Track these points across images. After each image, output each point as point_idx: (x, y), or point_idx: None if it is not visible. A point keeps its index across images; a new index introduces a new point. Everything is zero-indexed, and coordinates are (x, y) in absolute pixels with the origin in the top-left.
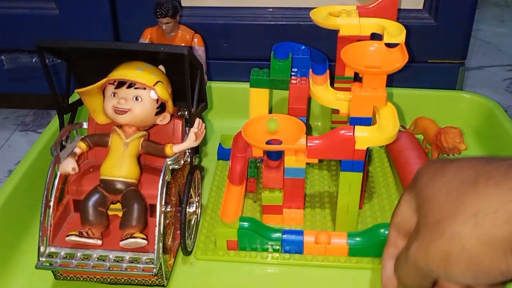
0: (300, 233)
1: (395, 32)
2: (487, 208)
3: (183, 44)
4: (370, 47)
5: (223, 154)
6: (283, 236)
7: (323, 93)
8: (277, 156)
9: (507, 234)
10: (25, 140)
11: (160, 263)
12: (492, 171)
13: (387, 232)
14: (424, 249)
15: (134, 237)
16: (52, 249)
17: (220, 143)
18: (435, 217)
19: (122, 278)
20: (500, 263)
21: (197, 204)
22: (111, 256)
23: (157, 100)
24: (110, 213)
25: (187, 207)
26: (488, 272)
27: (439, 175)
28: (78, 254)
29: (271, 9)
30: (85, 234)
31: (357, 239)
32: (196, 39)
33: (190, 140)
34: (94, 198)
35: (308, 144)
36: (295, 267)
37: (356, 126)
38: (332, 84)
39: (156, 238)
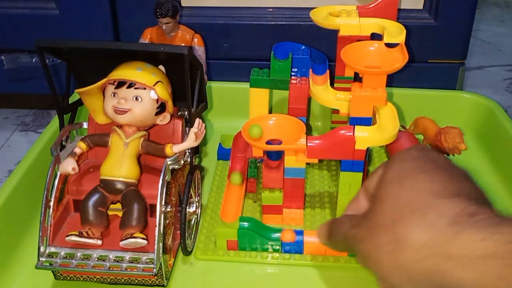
0: (300, 233)
1: (395, 32)
2: (411, 241)
3: (183, 44)
4: (370, 47)
5: (223, 154)
6: None
7: (323, 93)
8: (277, 156)
9: (416, 271)
10: (25, 140)
11: (160, 263)
12: (450, 212)
13: None
14: (357, 241)
15: (134, 237)
16: (52, 249)
17: (220, 143)
18: (374, 221)
19: (122, 278)
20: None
21: (197, 204)
22: (111, 256)
23: (157, 100)
24: (110, 213)
25: (187, 207)
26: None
27: (399, 181)
28: (78, 254)
29: (271, 9)
30: (85, 234)
31: None
32: (196, 39)
33: (190, 140)
34: (94, 198)
35: (308, 144)
36: (295, 267)
37: (356, 126)
38: (332, 84)
39: (156, 238)
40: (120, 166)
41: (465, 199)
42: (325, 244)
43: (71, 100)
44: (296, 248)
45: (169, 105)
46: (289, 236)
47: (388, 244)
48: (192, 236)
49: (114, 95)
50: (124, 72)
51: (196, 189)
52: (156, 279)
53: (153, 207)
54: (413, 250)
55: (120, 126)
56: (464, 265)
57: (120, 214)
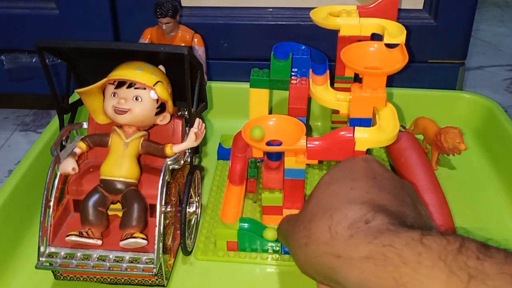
0: None
1: (395, 32)
2: (317, 238)
3: (183, 44)
4: (370, 48)
5: (223, 154)
6: None
7: (323, 93)
8: (277, 156)
9: (318, 266)
10: (25, 140)
11: (160, 263)
12: (351, 217)
13: None
14: (286, 235)
15: (134, 237)
16: (52, 249)
17: (220, 143)
18: (298, 218)
19: (122, 278)
20: (321, 280)
21: (197, 204)
22: (111, 256)
23: (157, 100)
24: (110, 213)
25: (187, 207)
26: (314, 278)
27: (327, 185)
28: (78, 254)
29: (271, 9)
30: (85, 234)
31: None
32: (196, 39)
33: (190, 140)
34: (94, 198)
35: (308, 145)
36: (295, 268)
37: (356, 127)
38: (332, 84)
39: (156, 238)
40: (120, 166)
41: (368, 207)
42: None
43: (71, 100)
44: None
45: (169, 105)
46: (271, 234)
47: (302, 239)
48: (192, 236)
49: (114, 95)
50: (124, 72)
51: (196, 189)
52: (156, 279)
53: (153, 207)
54: (316, 246)
55: (120, 126)
56: (350, 264)
57: (120, 214)
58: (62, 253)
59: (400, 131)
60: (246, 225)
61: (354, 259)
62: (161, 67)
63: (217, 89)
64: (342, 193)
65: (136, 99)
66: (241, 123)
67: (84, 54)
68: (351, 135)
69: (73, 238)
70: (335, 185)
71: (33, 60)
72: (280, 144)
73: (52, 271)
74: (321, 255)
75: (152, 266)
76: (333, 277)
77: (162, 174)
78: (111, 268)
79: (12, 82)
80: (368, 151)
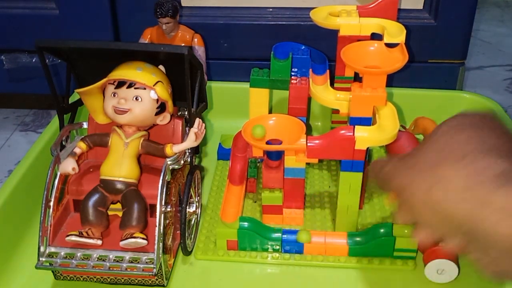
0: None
1: (395, 32)
2: (452, 182)
3: (183, 44)
4: (370, 47)
5: (223, 154)
6: (283, 236)
7: (323, 93)
8: (277, 156)
9: (449, 211)
10: (25, 140)
11: (160, 263)
12: (498, 166)
13: (387, 232)
14: (394, 175)
15: (134, 237)
16: (52, 249)
17: (220, 143)
18: (415, 161)
19: (122, 278)
20: (438, 229)
21: (197, 204)
22: (111, 256)
23: (157, 100)
24: (110, 213)
25: (187, 207)
26: (426, 228)
27: (451, 134)
28: (78, 254)
29: (271, 9)
30: (85, 234)
31: (357, 239)
32: (196, 39)
33: (190, 140)
34: (94, 198)
35: (308, 144)
36: (295, 267)
37: (356, 126)
38: (332, 84)
39: (156, 238)
40: (120, 166)
41: None
42: (372, 178)
43: (71, 100)
44: (296, 248)
45: (169, 105)
46: (305, 237)
47: (423, 183)
48: (192, 236)
49: (114, 95)
50: (124, 72)
51: (196, 189)
52: (156, 279)
53: (153, 207)
54: (448, 192)
55: (120, 126)
56: (502, 215)
57: (120, 214)
58: (62, 253)
59: (400, 131)
60: (246, 224)
61: (509, 210)
62: (161, 67)
63: (217, 89)
64: (477, 142)
65: (136, 99)
66: (241, 123)
67: (84, 54)
68: (351, 133)
69: (73, 238)
70: (463, 134)
71: (33, 60)
72: (280, 143)
73: (52, 271)
74: (455, 201)
75: (152, 266)
76: (467, 225)
77: (162, 174)
78: (111, 268)
79: (12, 82)
80: (368, 150)
